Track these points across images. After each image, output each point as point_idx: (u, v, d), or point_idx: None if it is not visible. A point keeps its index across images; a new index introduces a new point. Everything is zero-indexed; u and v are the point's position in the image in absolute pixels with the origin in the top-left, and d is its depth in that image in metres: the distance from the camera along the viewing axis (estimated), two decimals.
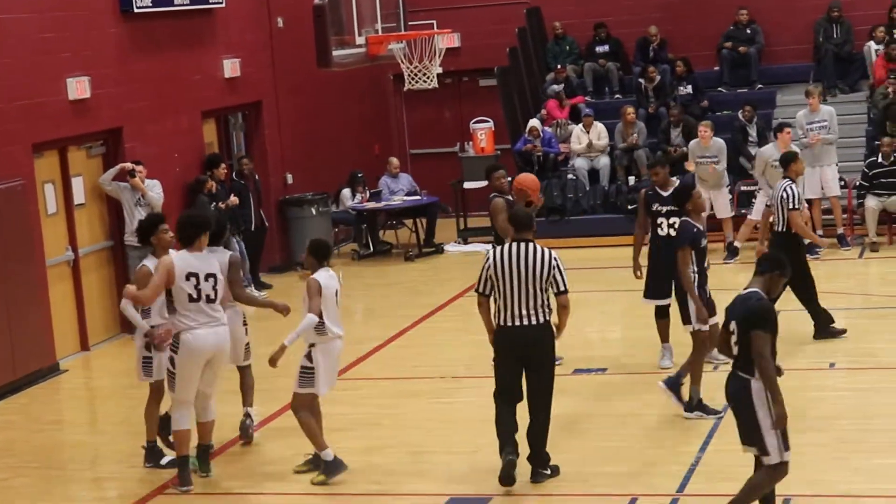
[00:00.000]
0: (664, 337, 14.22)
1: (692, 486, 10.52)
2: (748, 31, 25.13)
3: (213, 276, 11.21)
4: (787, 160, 15.10)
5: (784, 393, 12.70)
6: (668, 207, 13.87)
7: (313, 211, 22.29)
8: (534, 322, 10.73)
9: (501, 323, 10.84)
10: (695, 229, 12.46)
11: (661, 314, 14.14)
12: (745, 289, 9.34)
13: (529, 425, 10.93)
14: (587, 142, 23.41)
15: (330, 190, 23.26)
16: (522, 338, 10.75)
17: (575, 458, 11.31)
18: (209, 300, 11.17)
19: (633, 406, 12.94)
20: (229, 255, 11.98)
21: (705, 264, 12.60)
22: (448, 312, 18.23)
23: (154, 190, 17.77)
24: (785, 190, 14.66)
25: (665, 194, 13.97)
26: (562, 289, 10.76)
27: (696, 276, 12.40)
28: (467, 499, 10.70)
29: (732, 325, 9.27)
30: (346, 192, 23.59)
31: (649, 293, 14.22)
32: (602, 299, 17.45)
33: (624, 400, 13.15)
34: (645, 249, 14.29)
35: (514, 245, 10.83)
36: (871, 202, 20.34)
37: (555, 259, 10.76)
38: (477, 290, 11.06)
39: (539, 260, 10.72)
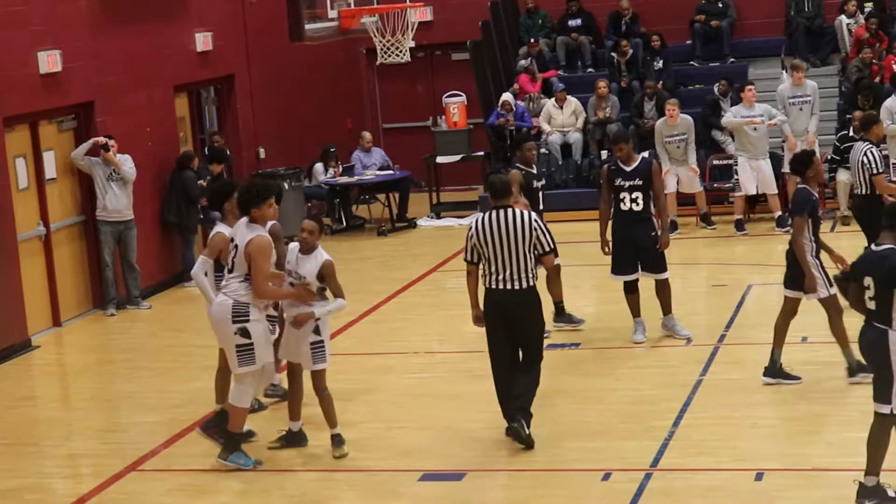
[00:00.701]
0: (635, 311, 14.23)
1: (666, 461, 10.56)
2: (720, 5, 25.15)
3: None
4: (868, 122, 14.83)
5: (754, 366, 12.86)
6: (631, 182, 13.89)
7: (286, 185, 22.16)
8: (517, 287, 10.96)
9: (488, 286, 11.11)
10: (813, 197, 12.21)
11: (630, 289, 14.14)
12: (876, 245, 9.31)
13: (517, 383, 11.11)
14: (559, 122, 23.38)
15: (303, 164, 23.20)
16: (507, 301, 10.98)
17: (548, 432, 11.33)
18: None
19: (606, 381, 12.98)
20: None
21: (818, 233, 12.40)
22: (421, 287, 18.24)
23: (126, 164, 17.70)
24: (865, 154, 14.42)
25: (628, 169, 13.94)
26: (546, 249, 11.09)
27: (813, 244, 12.27)
28: (441, 473, 10.72)
29: (867, 281, 9.21)
30: (319, 166, 23.54)
31: (616, 269, 14.18)
32: (575, 273, 17.45)
33: (597, 375, 13.18)
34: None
35: (495, 212, 11.04)
36: (843, 176, 20.39)
37: (535, 221, 11.04)
38: (465, 260, 11.28)
39: (520, 224, 10.97)
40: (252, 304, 10.79)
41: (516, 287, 10.97)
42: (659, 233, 13.97)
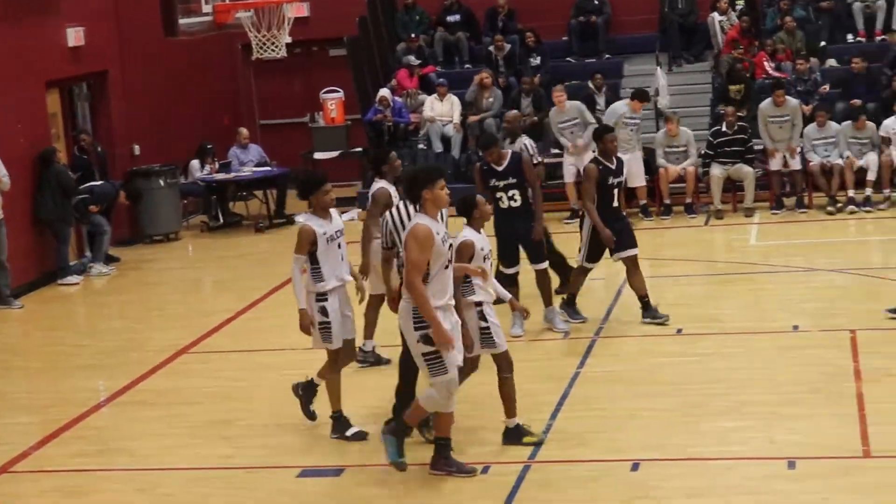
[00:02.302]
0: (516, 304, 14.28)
1: (544, 453, 10.61)
2: (595, 2, 25.37)
3: None
4: None
5: (632, 359, 13.00)
6: (506, 181, 13.96)
7: (161, 182, 22.00)
8: None
9: None
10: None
11: (512, 282, 14.21)
12: None
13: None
14: (438, 113, 23.44)
15: (178, 161, 22.99)
16: None
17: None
18: None
19: (485, 376, 12.98)
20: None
21: None
22: None
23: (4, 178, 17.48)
24: None
25: (500, 169, 13.99)
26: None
27: None
28: (320, 470, 10.68)
29: None
30: (195, 163, 23.36)
31: (503, 263, 14.29)
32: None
33: (480, 370, 13.17)
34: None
35: (403, 203, 11.49)
36: (716, 170, 20.68)
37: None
38: (384, 247, 11.53)
39: None
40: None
41: None
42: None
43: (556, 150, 22.14)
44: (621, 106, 20.55)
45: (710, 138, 21.03)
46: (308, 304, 11.09)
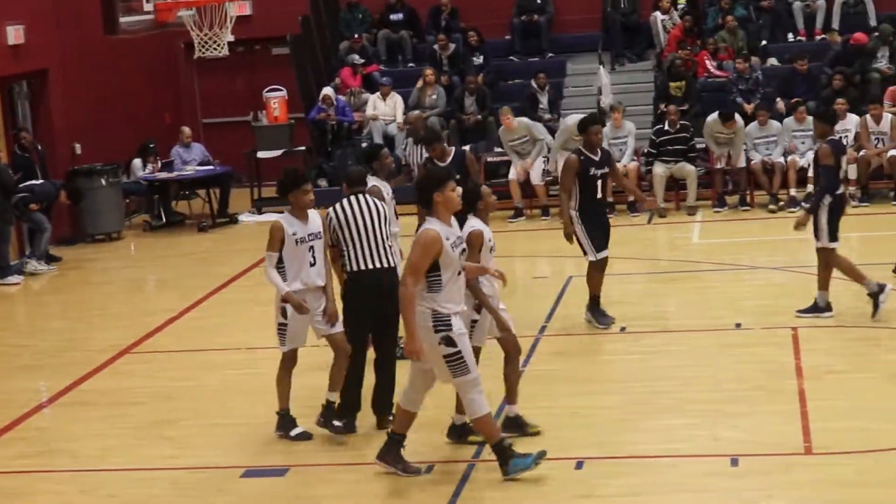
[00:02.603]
0: None
1: (488, 452, 10.58)
2: (538, 1, 25.42)
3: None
4: None
5: (575, 356, 13.03)
6: None
7: (103, 181, 21.87)
8: (386, 265, 11.17)
9: (355, 269, 11.17)
10: None
11: None
12: None
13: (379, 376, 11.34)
14: (383, 112, 23.44)
15: (120, 160, 22.85)
16: (382, 277, 11.13)
17: (372, 425, 11.33)
18: None
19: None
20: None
21: None
22: (243, 283, 18.08)
23: None
24: None
25: (443, 165, 14.02)
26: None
27: None
28: (264, 470, 10.63)
29: None
30: (137, 162, 23.24)
31: None
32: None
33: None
34: None
35: (351, 198, 11.31)
36: (659, 169, 20.79)
37: (392, 198, 11.65)
38: (328, 244, 11.39)
39: (374, 206, 11.26)
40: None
41: (385, 265, 11.13)
42: None
43: (500, 149, 22.20)
44: (572, 119, 20.64)
45: (653, 137, 21.15)
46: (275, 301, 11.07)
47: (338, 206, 11.36)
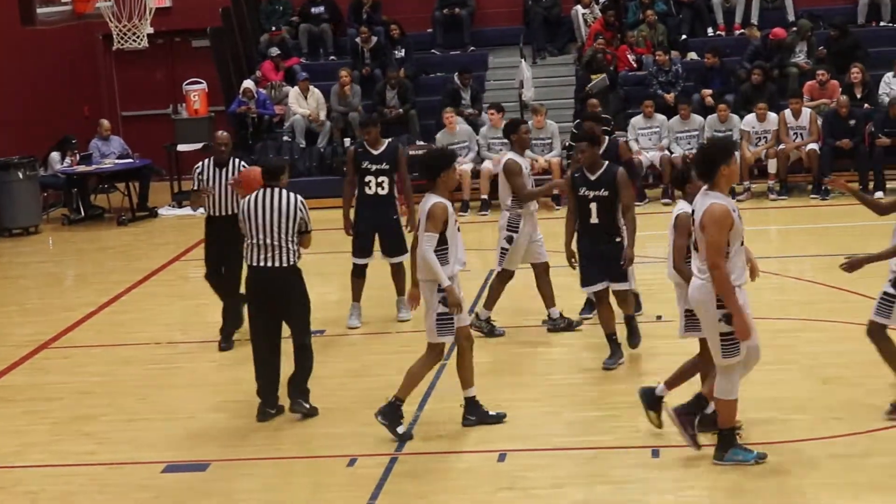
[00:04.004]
0: (356, 296, 14.31)
1: (411, 445, 10.60)
2: None
3: None
4: None
5: (498, 349, 13.04)
6: (378, 166, 13.94)
7: (20, 175, 21.62)
8: (278, 264, 11.08)
9: (251, 264, 11.22)
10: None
11: (359, 273, 14.19)
12: None
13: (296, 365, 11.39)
14: (303, 111, 23.30)
15: (38, 153, 22.59)
16: (269, 277, 11.11)
17: (294, 421, 11.28)
18: None
19: (352, 367, 13.00)
20: None
21: None
22: (163, 277, 17.96)
23: None
24: None
25: (375, 153, 13.99)
26: (308, 228, 11.24)
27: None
28: (184, 464, 10.56)
29: None
30: (55, 155, 22.98)
31: (357, 253, 14.21)
32: (317, 261, 17.41)
33: (343, 361, 13.16)
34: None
35: (263, 191, 11.24)
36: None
37: (301, 202, 11.19)
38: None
39: (286, 203, 11.12)
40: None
41: (277, 264, 11.05)
42: (405, 221, 14.11)
43: (422, 143, 22.20)
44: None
45: (574, 130, 21.17)
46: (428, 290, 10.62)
47: (250, 197, 11.28)
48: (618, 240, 12.29)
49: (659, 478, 9.66)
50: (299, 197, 11.27)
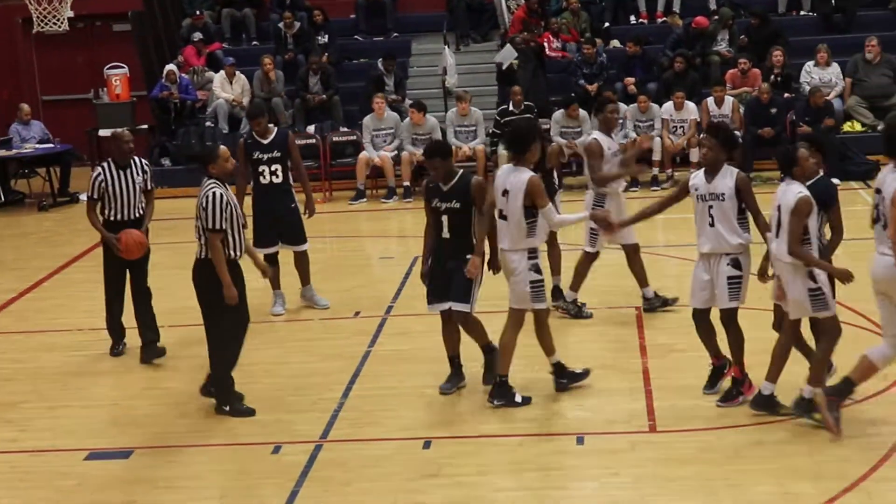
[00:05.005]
0: (274, 284, 14.24)
1: (336, 432, 10.60)
2: None
3: None
4: None
5: (421, 337, 13.04)
6: (270, 154, 13.85)
7: None
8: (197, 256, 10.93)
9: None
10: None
11: (272, 261, 13.99)
12: None
13: None
14: (229, 96, 23.15)
15: None
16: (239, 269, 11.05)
17: (201, 406, 11.26)
18: None
19: (276, 353, 12.96)
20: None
21: None
22: (85, 263, 17.78)
23: None
24: None
25: (265, 142, 13.86)
26: (207, 226, 10.77)
27: None
28: (107, 452, 10.49)
29: None
30: None
31: (256, 242, 13.82)
32: None
33: (266, 348, 13.11)
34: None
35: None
36: (504, 150, 20.86)
37: (206, 197, 10.77)
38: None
39: (201, 197, 10.85)
40: None
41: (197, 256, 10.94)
42: (303, 208, 14.07)
43: (345, 129, 22.19)
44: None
45: (497, 117, 21.24)
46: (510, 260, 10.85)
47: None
48: (468, 257, 11.04)
49: (584, 465, 9.73)
50: (218, 192, 10.81)
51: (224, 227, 10.80)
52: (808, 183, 10.13)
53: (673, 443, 10.00)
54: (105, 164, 12.62)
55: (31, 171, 23.26)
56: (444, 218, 11.04)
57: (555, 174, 13.79)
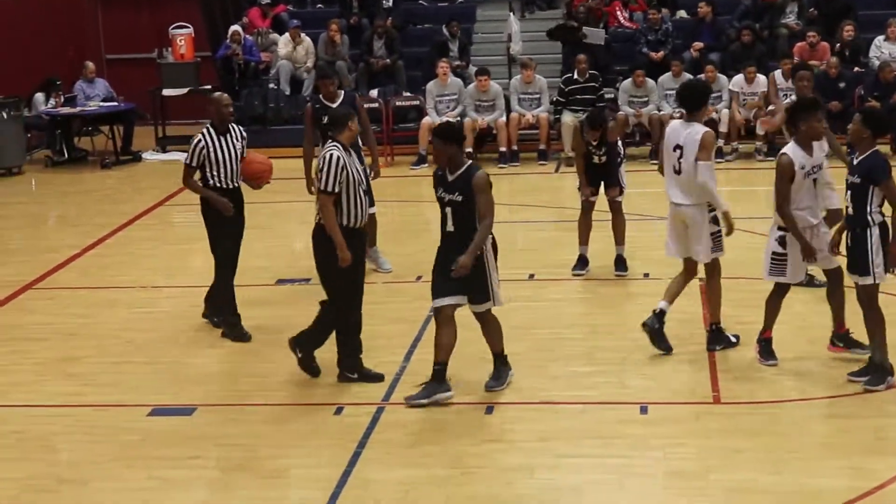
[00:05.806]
0: (371, 241, 14.25)
1: (398, 394, 10.60)
2: None
3: None
4: None
5: None
6: None
7: (4, 115, 21.48)
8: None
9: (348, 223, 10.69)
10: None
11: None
12: None
13: None
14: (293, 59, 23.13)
15: (22, 94, 22.42)
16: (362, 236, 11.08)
17: (281, 369, 11.25)
18: None
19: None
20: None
21: None
22: (147, 221, 17.88)
23: None
24: None
25: (334, 106, 13.69)
26: (319, 187, 10.56)
27: None
28: (171, 408, 10.53)
29: None
30: (40, 96, 22.84)
31: None
32: (303, 209, 17.34)
33: None
34: None
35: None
36: (567, 118, 20.78)
37: (322, 159, 10.59)
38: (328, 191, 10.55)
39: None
40: None
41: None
42: (369, 170, 14.00)
43: (409, 94, 22.14)
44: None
45: (562, 86, 21.13)
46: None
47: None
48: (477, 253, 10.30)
49: (648, 434, 9.66)
50: (327, 154, 10.58)
51: (337, 189, 10.50)
52: (861, 157, 10.01)
53: (738, 414, 9.93)
54: (205, 131, 12.01)
55: (95, 128, 23.36)
56: (448, 210, 10.32)
57: (619, 144, 13.67)
